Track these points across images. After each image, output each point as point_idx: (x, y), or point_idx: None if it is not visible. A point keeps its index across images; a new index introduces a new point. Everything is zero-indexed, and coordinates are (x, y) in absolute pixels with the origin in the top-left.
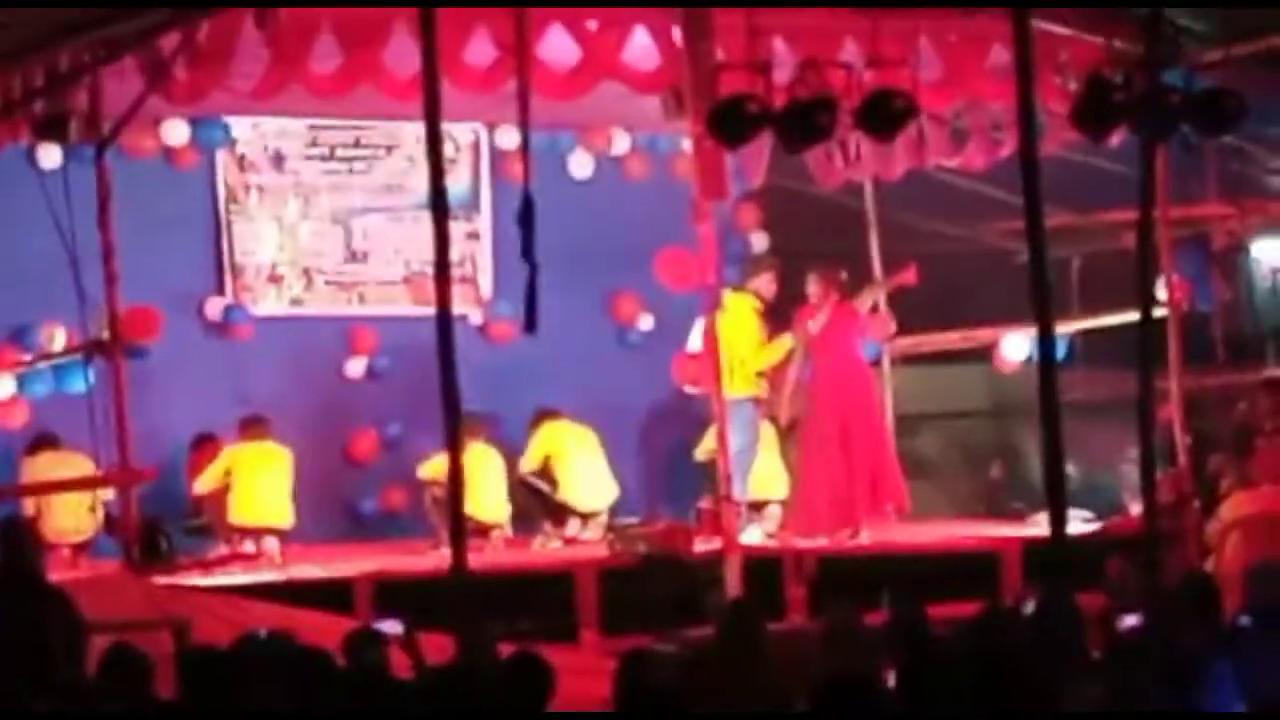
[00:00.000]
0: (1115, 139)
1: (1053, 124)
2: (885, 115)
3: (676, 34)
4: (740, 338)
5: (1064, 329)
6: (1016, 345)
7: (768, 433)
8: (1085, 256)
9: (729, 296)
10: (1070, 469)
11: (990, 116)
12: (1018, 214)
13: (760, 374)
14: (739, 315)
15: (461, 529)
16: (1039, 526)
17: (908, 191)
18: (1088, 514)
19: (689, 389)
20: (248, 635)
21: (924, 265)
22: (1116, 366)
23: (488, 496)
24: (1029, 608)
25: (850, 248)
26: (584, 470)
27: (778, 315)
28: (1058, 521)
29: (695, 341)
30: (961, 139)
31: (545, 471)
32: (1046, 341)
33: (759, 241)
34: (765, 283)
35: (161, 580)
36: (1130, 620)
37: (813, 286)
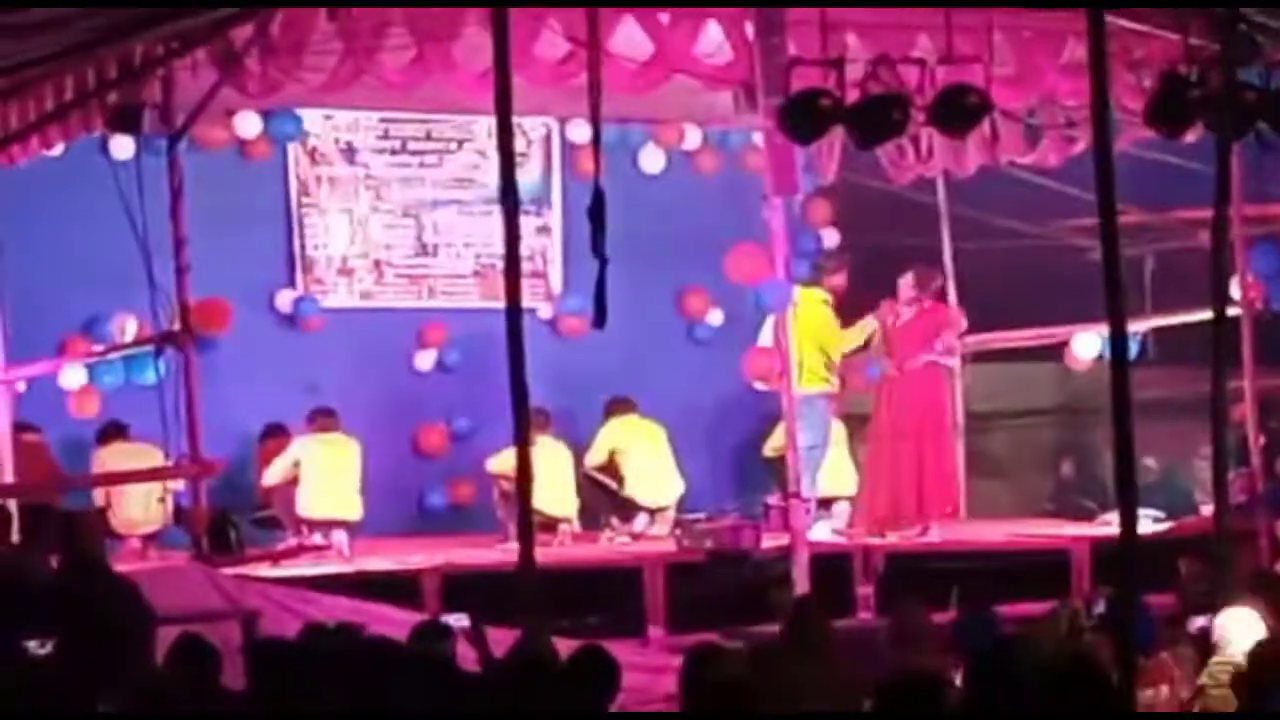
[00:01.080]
0: (1190, 136)
1: (1127, 121)
2: (958, 111)
3: (749, 29)
4: (812, 333)
5: (1137, 327)
6: (1088, 343)
7: (837, 429)
8: (1159, 254)
9: (800, 292)
10: (1149, 464)
11: (1064, 113)
12: (1091, 211)
13: (832, 370)
14: (810, 310)
15: (529, 523)
16: (1109, 526)
17: (980, 188)
18: (1159, 513)
19: (759, 385)
20: (315, 627)
21: (996, 262)
22: (1190, 365)
23: (555, 491)
24: (1099, 607)
25: (922, 244)
26: (650, 465)
27: (850, 310)
28: (1128, 521)
29: (766, 337)
30: (1035, 135)
31: (611, 467)
32: (1119, 339)
33: (830, 237)
34: (836, 279)
35: (230, 571)
36: (1201, 621)
37: (907, 284)
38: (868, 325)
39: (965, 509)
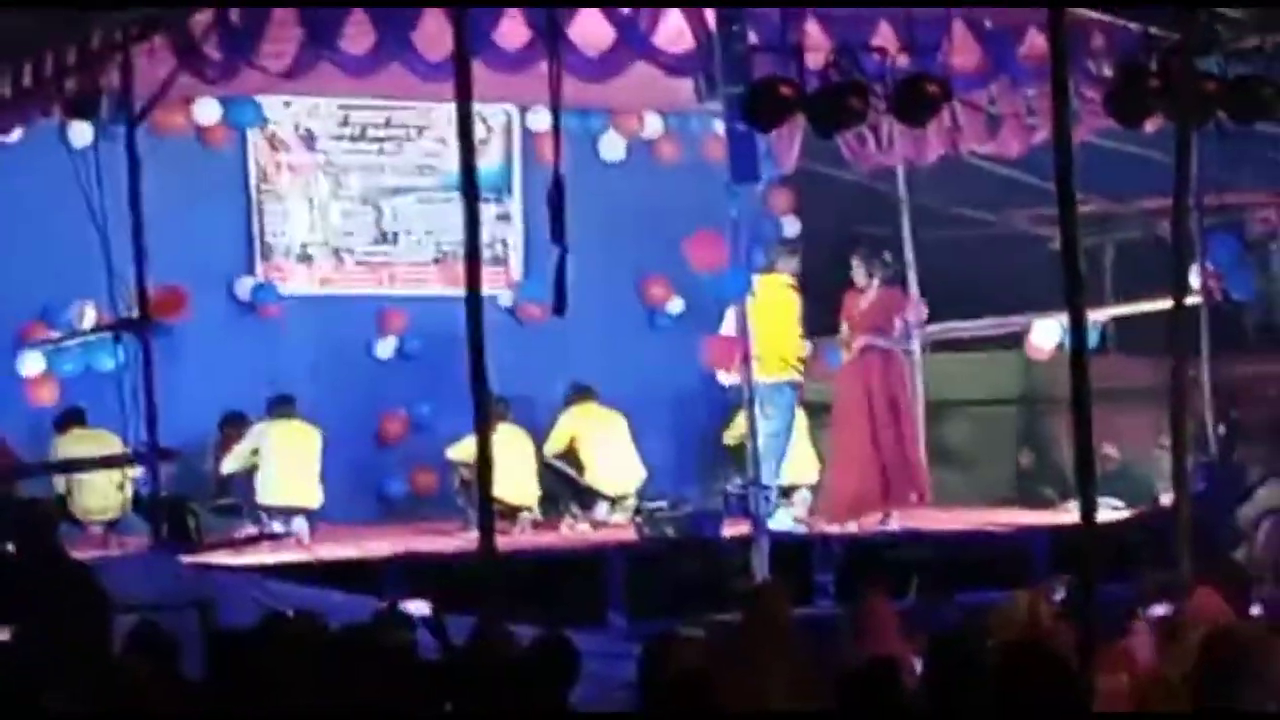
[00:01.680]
0: (1150, 126)
1: (1087, 110)
2: (918, 101)
3: (709, 17)
4: (775, 320)
5: (1096, 316)
6: (1048, 332)
7: (799, 417)
8: (1119, 243)
9: (760, 279)
10: (1109, 453)
11: (1024, 102)
12: (1051, 200)
13: (795, 357)
14: (773, 297)
15: (490, 511)
16: (1069, 514)
17: (940, 177)
18: (1118, 502)
19: (721, 375)
20: (274, 615)
21: (956, 251)
22: (1149, 354)
23: (516, 479)
24: (1059, 595)
25: (882, 233)
26: (611, 453)
27: (810, 298)
28: (1088, 509)
29: (729, 325)
30: (995, 125)
31: (571, 454)
32: (1078, 328)
33: (791, 225)
34: (790, 264)
35: (189, 559)
36: (1159, 610)
37: (857, 269)
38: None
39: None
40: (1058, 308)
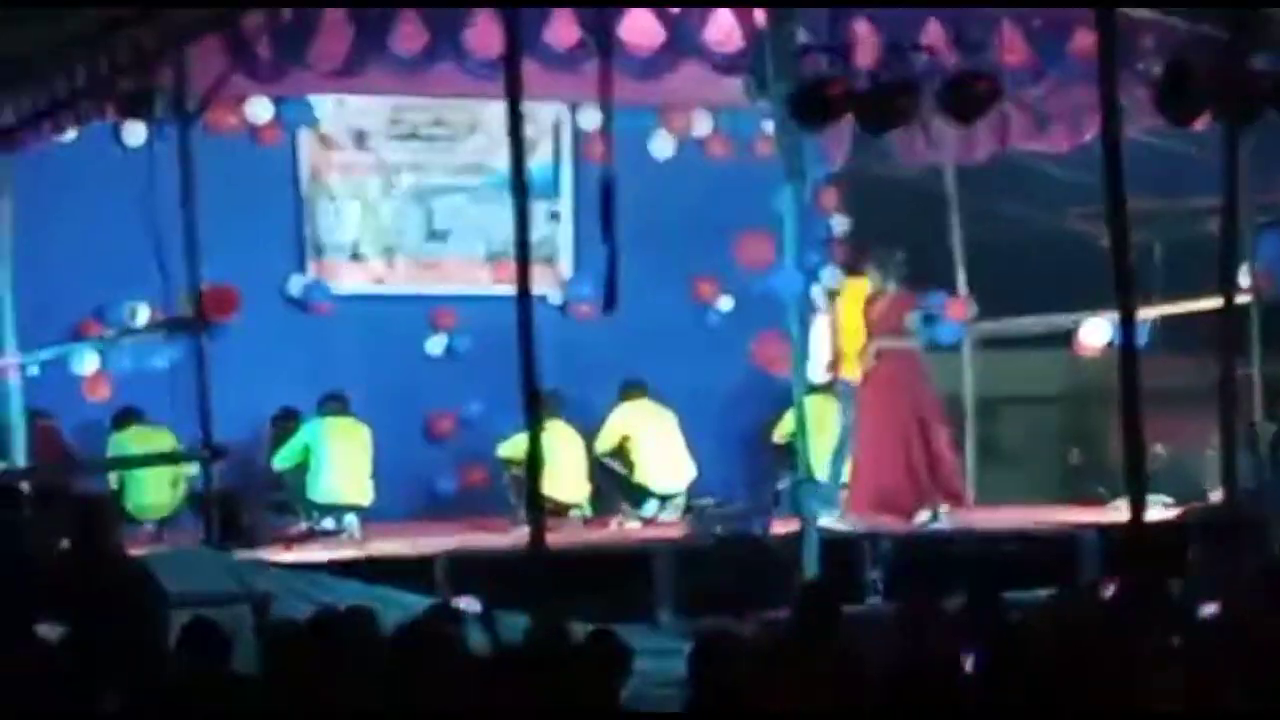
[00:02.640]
0: (1200, 124)
1: (1136, 108)
2: (968, 99)
3: (759, 15)
4: (855, 322)
5: (1145, 314)
6: (1097, 330)
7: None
8: (1168, 242)
9: (846, 281)
10: (1158, 451)
11: (1074, 100)
12: (1099, 198)
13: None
14: (855, 300)
15: (539, 508)
16: (1119, 512)
17: (990, 174)
18: (1168, 499)
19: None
20: (327, 611)
21: (1005, 248)
22: (1198, 353)
23: (566, 476)
24: (1107, 592)
25: (932, 231)
26: (661, 451)
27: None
28: (1137, 507)
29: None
30: (1044, 123)
31: (621, 452)
32: (1128, 327)
33: (840, 224)
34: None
35: (242, 555)
36: (1209, 608)
37: (873, 274)
38: None
39: (974, 495)
40: (1107, 305)
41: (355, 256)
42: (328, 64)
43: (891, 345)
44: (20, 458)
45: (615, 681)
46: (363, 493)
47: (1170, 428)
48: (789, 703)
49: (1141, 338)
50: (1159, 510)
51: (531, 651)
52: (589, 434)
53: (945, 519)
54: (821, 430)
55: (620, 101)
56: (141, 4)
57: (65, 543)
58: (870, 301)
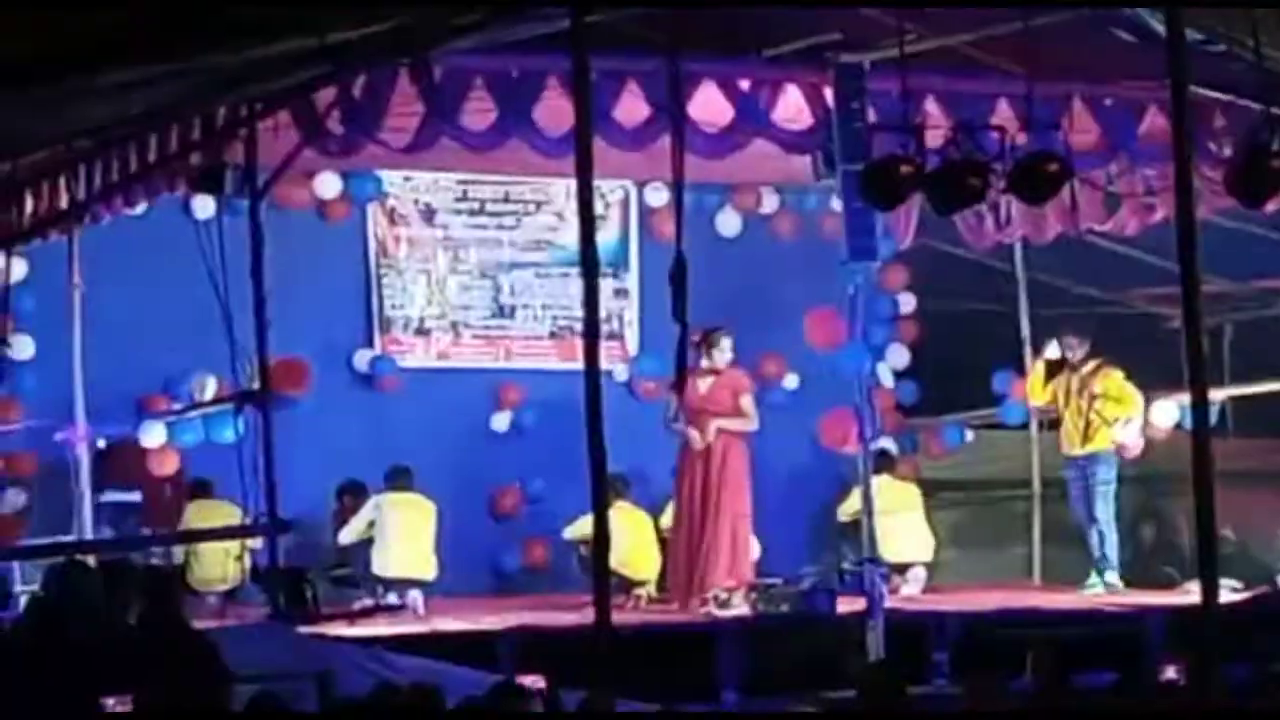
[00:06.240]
0: (1272, 206)
1: (1208, 189)
2: (1038, 179)
3: (828, 94)
4: None
5: (1215, 396)
6: (1166, 412)
7: (912, 494)
8: (1237, 323)
9: None
10: (1225, 534)
11: (1143, 181)
12: (1168, 278)
13: None
14: None
15: (605, 585)
16: (1189, 594)
17: (1057, 254)
18: (1236, 583)
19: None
20: (390, 687)
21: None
22: (1267, 435)
23: (636, 555)
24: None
25: (999, 310)
26: None
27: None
28: (1209, 590)
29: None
30: (1114, 203)
31: None
32: (1201, 408)
33: (907, 302)
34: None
35: (306, 630)
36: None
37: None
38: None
39: (1040, 575)
40: (1175, 387)
41: (421, 331)
42: (398, 140)
43: (729, 426)
44: (88, 530)
45: None
46: (427, 568)
47: (1239, 510)
48: None
49: (1211, 419)
50: (1226, 594)
51: None
52: (654, 510)
53: (1012, 600)
54: (887, 509)
55: (688, 178)
56: (222, 83)
57: (133, 616)
58: (694, 382)
